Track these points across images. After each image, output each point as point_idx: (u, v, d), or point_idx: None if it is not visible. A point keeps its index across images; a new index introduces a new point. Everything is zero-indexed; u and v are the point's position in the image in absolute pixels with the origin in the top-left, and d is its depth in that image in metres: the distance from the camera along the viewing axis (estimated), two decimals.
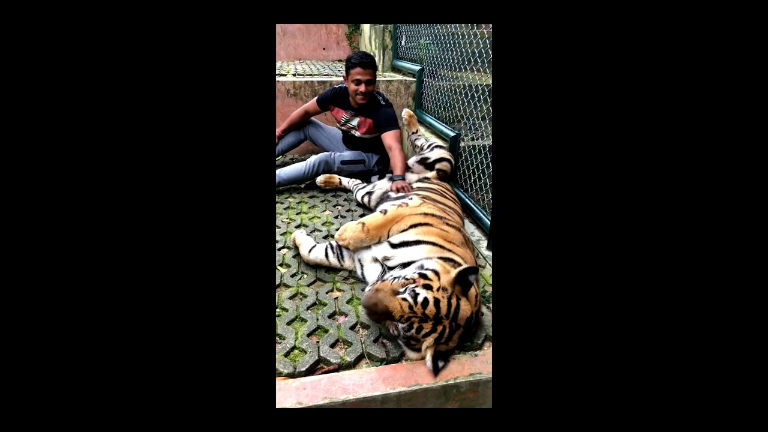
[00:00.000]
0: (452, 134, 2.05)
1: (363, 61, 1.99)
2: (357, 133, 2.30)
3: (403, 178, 1.93)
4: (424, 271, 1.07)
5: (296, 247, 1.52)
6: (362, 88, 2.02)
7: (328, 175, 2.17)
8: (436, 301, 1.00)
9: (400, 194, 1.71)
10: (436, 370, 0.98)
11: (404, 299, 1.00)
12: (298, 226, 1.77)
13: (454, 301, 1.02)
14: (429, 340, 1.00)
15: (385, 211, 1.36)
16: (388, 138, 2.10)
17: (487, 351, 1.08)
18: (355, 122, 2.27)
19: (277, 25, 4.20)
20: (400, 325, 1.00)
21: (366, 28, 3.92)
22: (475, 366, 1.02)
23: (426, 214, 1.35)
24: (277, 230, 1.73)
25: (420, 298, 0.99)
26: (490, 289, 1.34)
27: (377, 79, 2.21)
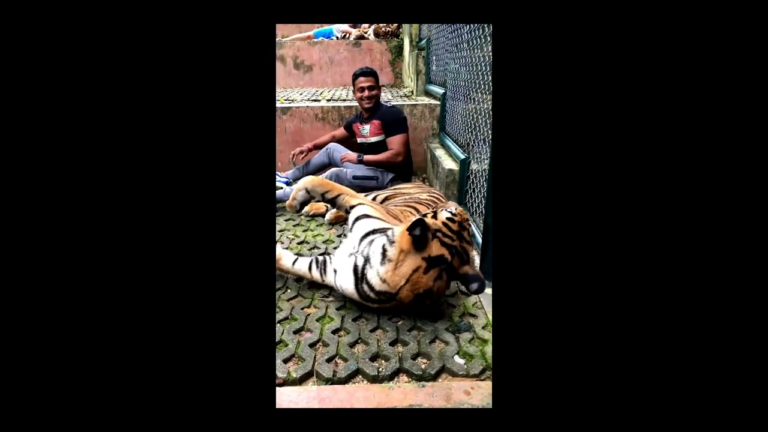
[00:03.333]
0: (462, 157, 2.01)
1: (364, 71, 2.39)
2: (369, 140, 2.45)
3: (362, 161, 2.36)
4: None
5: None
6: (366, 93, 2.36)
7: (334, 212, 2.08)
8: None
9: None
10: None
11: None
12: (300, 243, 1.85)
13: None
14: None
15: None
16: (393, 141, 2.38)
17: (438, 384, 1.02)
18: (366, 129, 2.47)
19: (326, 55, 4.51)
20: None
21: (406, 54, 4.04)
22: (418, 397, 0.97)
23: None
24: (279, 245, 1.82)
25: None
26: (467, 318, 1.28)
27: (381, 87, 2.51)
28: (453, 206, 1.32)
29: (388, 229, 1.32)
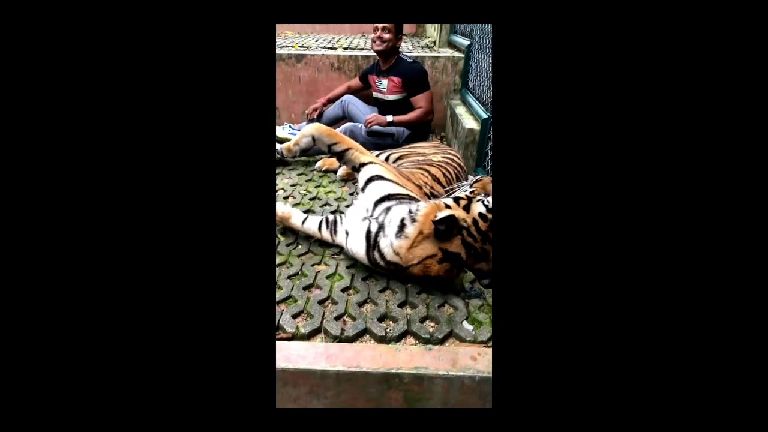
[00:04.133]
0: (484, 116, 1.90)
1: None
2: (387, 97, 2.31)
3: (392, 123, 2.19)
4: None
5: (282, 222, 1.47)
6: (378, 33, 2.15)
7: (345, 168, 1.91)
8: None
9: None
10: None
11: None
12: (312, 199, 1.82)
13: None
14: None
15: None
16: (418, 99, 2.21)
17: (444, 348, 1.03)
18: (384, 84, 2.31)
19: None
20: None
21: None
22: (424, 360, 0.97)
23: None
24: (291, 200, 1.81)
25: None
26: (477, 285, 1.26)
27: (401, 37, 2.28)
28: (491, 199, 1.14)
29: (409, 199, 1.25)
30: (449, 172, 1.70)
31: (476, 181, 1.27)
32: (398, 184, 1.34)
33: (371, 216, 1.28)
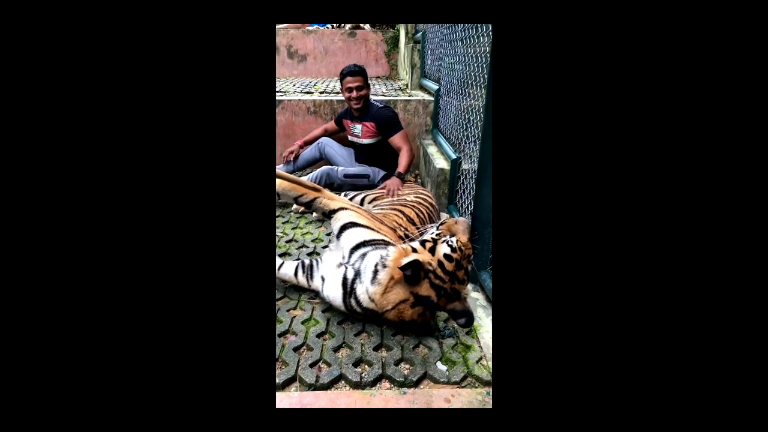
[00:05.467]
0: (453, 157, 2.00)
1: (351, 70, 2.28)
2: (362, 141, 2.41)
3: (402, 176, 2.11)
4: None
5: None
6: (354, 93, 2.28)
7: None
8: None
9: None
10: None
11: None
12: (289, 241, 1.84)
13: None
14: None
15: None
16: (396, 140, 2.30)
17: (419, 391, 1.03)
18: (358, 129, 2.42)
19: (320, 45, 4.43)
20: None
21: (402, 46, 3.98)
22: (399, 404, 0.98)
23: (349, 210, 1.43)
24: None
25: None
26: (452, 323, 1.29)
27: (370, 85, 2.40)
28: (455, 239, 1.20)
29: (384, 244, 1.28)
30: (422, 212, 1.76)
31: (442, 223, 1.32)
32: (372, 229, 1.37)
33: (348, 263, 1.29)
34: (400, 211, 1.71)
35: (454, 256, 1.16)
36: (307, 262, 1.44)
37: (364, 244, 1.30)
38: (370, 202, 1.93)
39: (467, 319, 1.18)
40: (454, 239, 1.20)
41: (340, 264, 1.31)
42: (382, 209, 1.74)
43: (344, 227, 1.36)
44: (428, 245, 1.21)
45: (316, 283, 1.38)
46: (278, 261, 1.47)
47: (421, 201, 1.84)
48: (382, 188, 2.08)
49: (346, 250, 1.31)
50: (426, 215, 1.77)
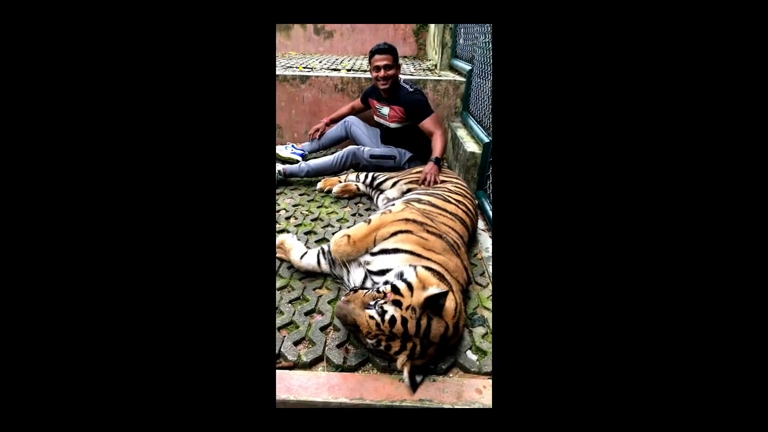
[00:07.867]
0: (486, 140, 1.92)
1: (381, 48, 2.16)
2: (389, 124, 2.31)
3: (440, 161, 1.98)
4: (397, 284, 1.02)
5: (284, 254, 1.45)
6: (381, 72, 2.16)
7: (342, 185, 2.07)
8: (404, 320, 0.95)
9: (389, 204, 1.64)
10: (414, 386, 0.96)
11: (371, 316, 0.97)
12: (314, 220, 1.82)
13: (424, 321, 0.96)
14: (402, 357, 0.96)
15: (369, 221, 1.32)
16: (427, 125, 2.17)
17: (449, 380, 1.01)
18: (385, 111, 2.31)
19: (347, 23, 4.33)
20: (369, 341, 0.98)
21: (432, 25, 3.84)
22: (429, 392, 0.95)
23: (407, 221, 1.28)
24: (293, 221, 1.80)
25: (387, 316, 0.95)
26: (481, 312, 1.25)
27: (400, 65, 2.26)
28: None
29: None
30: (470, 210, 1.62)
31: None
32: (419, 255, 1.19)
33: (372, 273, 1.20)
34: (453, 214, 1.51)
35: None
36: (326, 247, 1.39)
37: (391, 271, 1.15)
38: (404, 193, 1.84)
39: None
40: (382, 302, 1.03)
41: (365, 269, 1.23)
42: (430, 204, 1.53)
43: (392, 251, 1.22)
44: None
45: (339, 269, 1.34)
46: (300, 250, 1.44)
47: (464, 192, 1.70)
48: (417, 172, 1.97)
49: (375, 269, 1.20)
50: (473, 212, 1.63)
